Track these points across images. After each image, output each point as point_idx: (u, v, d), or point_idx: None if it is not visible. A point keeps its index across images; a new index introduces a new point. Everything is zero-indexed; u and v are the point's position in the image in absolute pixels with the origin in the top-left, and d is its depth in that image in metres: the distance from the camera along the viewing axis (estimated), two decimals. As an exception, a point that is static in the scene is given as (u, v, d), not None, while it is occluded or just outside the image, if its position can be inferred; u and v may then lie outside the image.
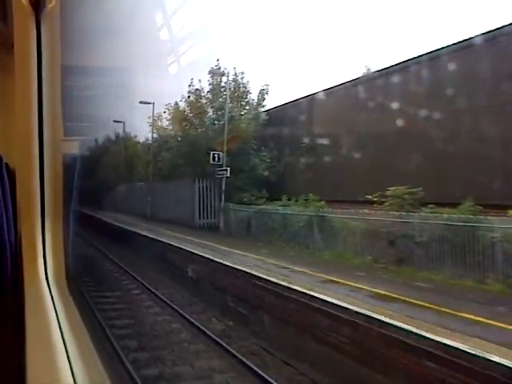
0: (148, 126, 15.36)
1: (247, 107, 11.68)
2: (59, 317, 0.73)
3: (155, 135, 15.34)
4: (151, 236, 8.84)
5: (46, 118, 0.93)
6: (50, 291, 0.89)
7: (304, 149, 9.94)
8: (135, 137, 19.06)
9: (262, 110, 11.90)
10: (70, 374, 0.54)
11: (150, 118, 14.70)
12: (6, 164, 0.94)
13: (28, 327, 0.72)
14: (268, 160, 11.28)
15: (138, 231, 10.02)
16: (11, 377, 0.71)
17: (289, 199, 8.72)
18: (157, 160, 14.86)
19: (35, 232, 0.92)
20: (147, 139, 16.72)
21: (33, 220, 0.91)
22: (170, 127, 14.63)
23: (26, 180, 0.91)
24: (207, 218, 11.28)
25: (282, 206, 8.76)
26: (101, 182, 19.19)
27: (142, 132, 17.20)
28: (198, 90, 11.74)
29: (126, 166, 18.11)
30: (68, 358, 0.59)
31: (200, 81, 11.68)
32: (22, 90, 0.89)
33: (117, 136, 20.06)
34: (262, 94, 11.94)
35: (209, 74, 11.13)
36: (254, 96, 11.39)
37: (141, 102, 13.87)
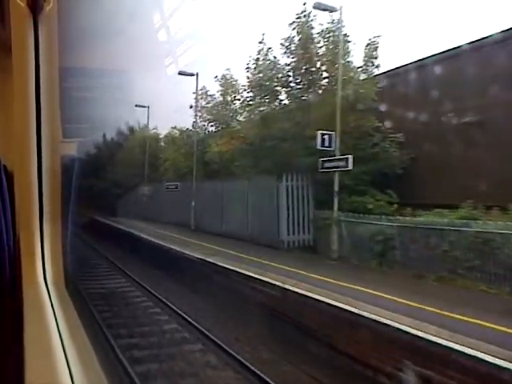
0: (188, 107, 19.30)
1: (351, 71, 12.53)
2: (58, 319, 1.26)
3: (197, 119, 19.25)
4: (243, 272, 8.58)
5: (44, 120, 1.57)
6: (49, 294, 1.51)
7: (467, 127, 9.97)
8: (155, 128, 25.23)
9: (375, 72, 12.57)
10: (69, 376, 0.92)
11: (195, 93, 18.50)
12: (4, 166, 1.61)
13: (26, 330, 1.18)
14: (395, 145, 11.73)
15: (203, 257, 10.46)
16: (10, 379, 1.18)
17: (474, 208, 8.63)
18: (204, 152, 17.90)
19: (33, 234, 1.58)
20: (176, 128, 22.30)
21: (31, 222, 1.57)
22: (219, 107, 18.04)
23: (25, 182, 1.57)
24: (298, 234, 12.54)
25: (461, 218, 8.62)
26: (114, 184, 24.75)
27: (165, 121, 23.61)
28: (288, 38, 12.85)
29: (148, 162, 23.08)
30: (66, 359, 1.00)
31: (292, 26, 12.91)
32: (20, 92, 1.55)
33: (131, 129, 26.42)
34: (371, 50, 12.60)
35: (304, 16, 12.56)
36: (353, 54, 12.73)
37: (180, 73, 17.32)
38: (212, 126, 19.57)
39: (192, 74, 18.44)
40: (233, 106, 18.50)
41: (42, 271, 1.65)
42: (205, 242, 13.50)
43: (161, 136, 25.69)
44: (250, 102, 15.49)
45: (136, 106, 23.21)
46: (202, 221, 17.67)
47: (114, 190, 25.24)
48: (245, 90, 15.87)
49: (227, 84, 18.19)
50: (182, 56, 19.68)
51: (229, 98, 18.55)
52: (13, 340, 1.34)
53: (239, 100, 17.22)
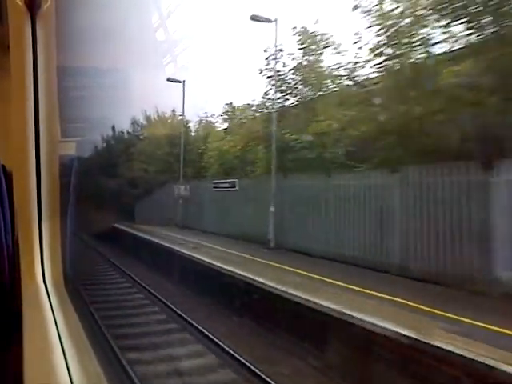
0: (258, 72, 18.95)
1: None
2: (57, 319, 1.89)
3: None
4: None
5: (43, 119, 2.33)
6: (48, 293, 2.19)
7: None
8: (181, 115, 27.81)
9: None
10: (67, 376, 1.41)
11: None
12: (3, 166, 2.37)
13: (25, 329, 1.81)
14: None
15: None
16: (9, 378, 1.76)
17: None
18: (283, 134, 17.29)
19: (32, 234, 2.34)
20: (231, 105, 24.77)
21: (30, 222, 2.33)
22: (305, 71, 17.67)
23: (23, 182, 2.33)
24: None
25: None
26: (129, 183, 27.35)
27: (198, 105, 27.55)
28: None
29: (177, 155, 25.07)
30: (65, 359, 1.50)
31: None
32: (18, 91, 2.30)
33: (148, 118, 29.73)
34: None
35: None
36: None
37: (252, 19, 17.56)
38: (289, 97, 19.21)
39: (269, 20, 18.52)
40: (323, 69, 17.87)
41: (40, 271, 2.32)
42: (332, 279, 12.10)
43: (190, 124, 27.63)
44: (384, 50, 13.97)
45: (168, 80, 25.63)
46: (289, 235, 16.91)
47: (130, 190, 28.15)
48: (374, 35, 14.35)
49: (313, 39, 17.74)
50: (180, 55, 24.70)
51: (311, 58, 17.95)
52: (12, 339, 1.86)
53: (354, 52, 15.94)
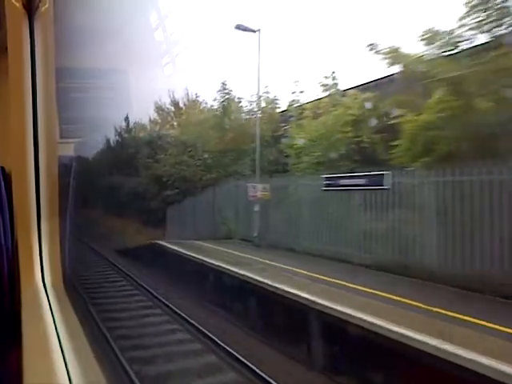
0: None
1: None
2: (56, 320, 1.91)
3: None
4: None
5: (41, 121, 2.37)
6: (47, 295, 2.20)
7: None
8: (227, 92, 21.40)
9: None
10: (66, 376, 1.44)
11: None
12: (2, 167, 2.45)
13: (25, 330, 1.87)
14: None
15: None
16: (9, 379, 1.88)
17: None
18: None
19: (31, 236, 2.35)
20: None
21: (29, 224, 2.35)
22: None
23: (22, 183, 2.36)
24: None
25: None
26: (156, 182, 20.83)
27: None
28: None
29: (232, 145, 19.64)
30: (64, 360, 1.56)
31: None
32: (17, 93, 2.34)
33: (176, 105, 26.05)
34: None
35: None
36: None
37: None
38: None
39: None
40: None
41: (40, 272, 2.34)
42: None
43: (241, 104, 22.15)
44: None
45: (237, 28, 19.63)
46: None
47: (158, 191, 22.48)
48: None
49: None
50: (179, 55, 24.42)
51: None
52: (11, 340, 1.92)
53: None
